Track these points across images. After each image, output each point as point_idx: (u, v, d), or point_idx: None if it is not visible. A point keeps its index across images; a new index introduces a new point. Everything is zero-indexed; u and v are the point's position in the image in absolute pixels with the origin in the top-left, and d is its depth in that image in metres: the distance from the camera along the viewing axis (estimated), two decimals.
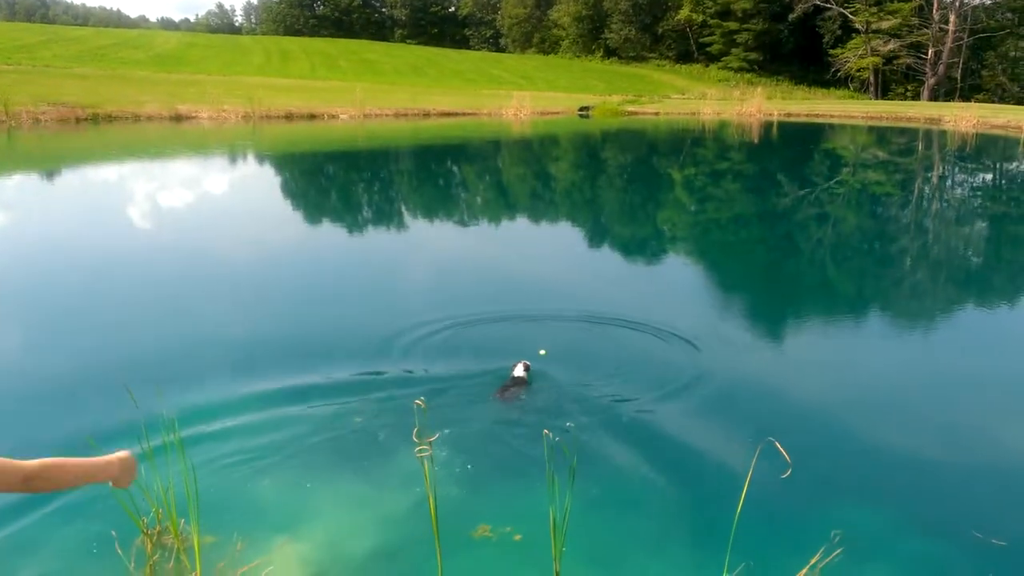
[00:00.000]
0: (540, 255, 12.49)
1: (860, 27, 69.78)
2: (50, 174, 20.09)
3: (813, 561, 3.60)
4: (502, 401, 6.13)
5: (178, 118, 34.64)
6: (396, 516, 4.52)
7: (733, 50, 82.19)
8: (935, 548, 4.32)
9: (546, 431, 3.82)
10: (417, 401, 3.73)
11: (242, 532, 4.31)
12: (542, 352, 6.71)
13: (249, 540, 4.26)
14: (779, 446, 3.77)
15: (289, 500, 4.75)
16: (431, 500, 3.67)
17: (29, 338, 7.62)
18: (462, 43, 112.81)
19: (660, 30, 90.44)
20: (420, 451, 3.52)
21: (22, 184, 18.71)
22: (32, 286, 9.61)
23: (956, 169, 25.62)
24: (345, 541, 4.34)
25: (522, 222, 16.06)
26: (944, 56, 68.92)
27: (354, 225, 15.48)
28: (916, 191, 20.73)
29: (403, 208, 17.35)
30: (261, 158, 25.62)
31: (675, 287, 10.10)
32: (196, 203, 16.63)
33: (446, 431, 5.24)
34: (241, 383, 6.44)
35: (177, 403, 5.94)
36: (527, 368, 6.42)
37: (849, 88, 74.73)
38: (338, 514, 4.61)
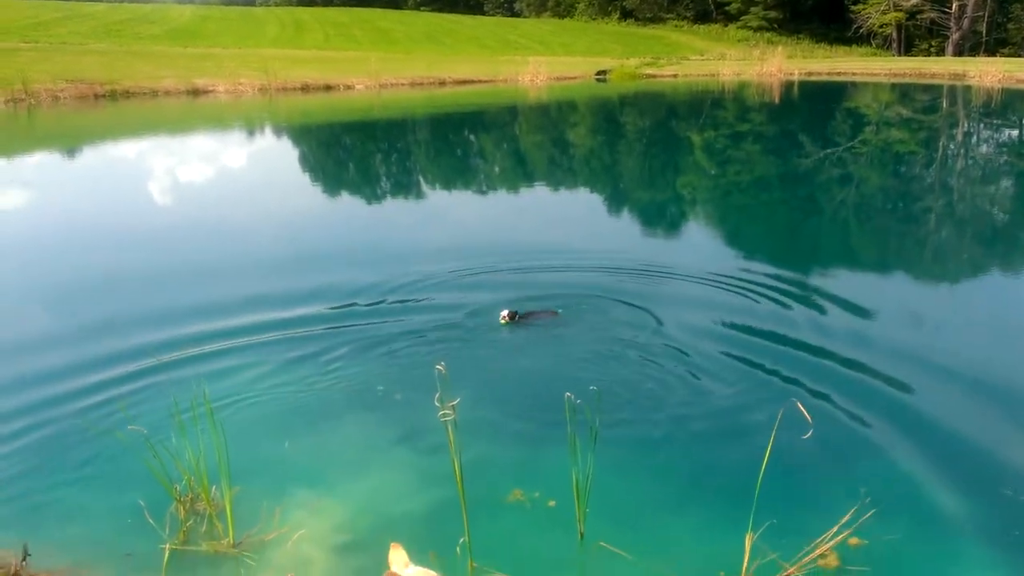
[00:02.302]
0: (563, 219, 12.46)
1: None
2: (72, 152, 20.24)
3: (844, 520, 3.61)
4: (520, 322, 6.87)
5: (195, 92, 34.68)
6: (426, 480, 4.60)
7: (752, 8, 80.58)
8: (966, 506, 4.31)
9: (568, 394, 3.85)
10: (438, 366, 3.77)
11: (273, 497, 4.40)
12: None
13: (280, 505, 4.35)
14: (801, 407, 3.79)
15: (319, 465, 4.84)
16: (456, 464, 3.73)
17: (58, 310, 7.75)
18: (476, 8, 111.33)
19: None
20: (444, 415, 3.57)
21: (49, 163, 18.87)
22: (61, 260, 9.75)
23: (981, 125, 25.12)
24: (376, 505, 4.41)
25: (541, 188, 16.00)
26: (969, 10, 67.13)
27: (373, 193, 15.51)
28: (940, 149, 20.37)
29: (422, 177, 17.33)
30: (280, 131, 25.63)
31: (696, 249, 10.05)
32: (221, 176, 16.72)
33: (470, 394, 5.26)
34: (269, 352, 6.53)
35: (207, 371, 6.05)
36: (512, 316, 6.89)
37: (871, 45, 73.14)
38: (369, 479, 4.69)
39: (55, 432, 5.23)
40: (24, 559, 3.79)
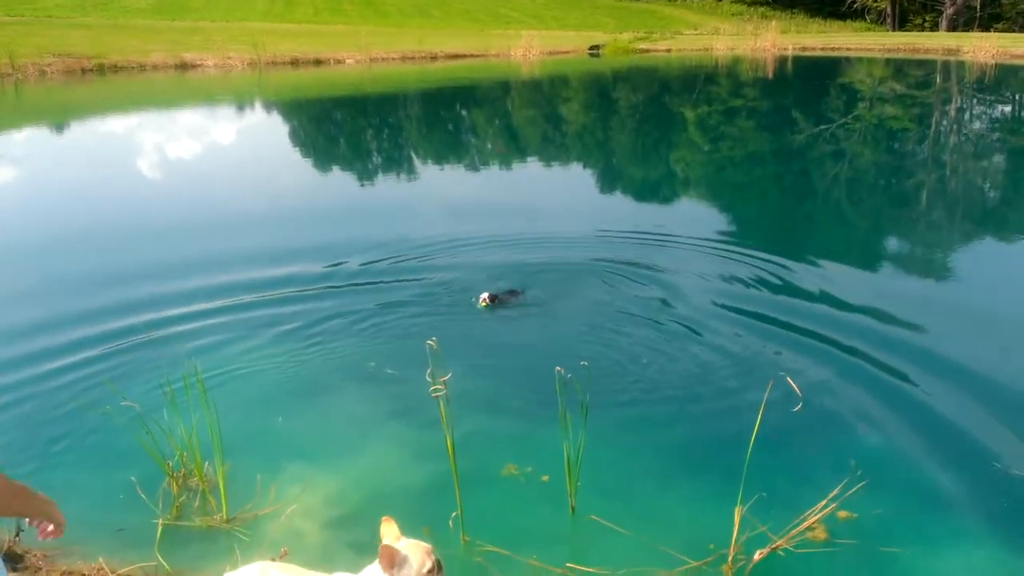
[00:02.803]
0: (554, 194, 12.42)
1: None
2: (61, 127, 20.03)
3: (833, 494, 3.65)
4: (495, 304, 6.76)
5: (183, 67, 34.27)
6: (419, 455, 4.62)
7: None
8: (955, 480, 4.36)
9: (559, 368, 3.86)
10: (429, 342, 3.77)
11: (266, 473, 4.42)
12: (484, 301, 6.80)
13: (273, 480, 4.37)
14: (791, 381, 3.81)
15: (312, 441, 4.86)
16: (448, 439, 3.74)
17: (45, 286, 7.70)
18: None
19: None
20: (435, 390, 3.58)
21: (38, 138, 18.68)
22: (50, 236, 9.68)
23: (974, 101, 25.10)
24: (369, 480, 4.44)
25: (533, 163, 15.94)
26: None
27: (363, 169, 15.42)
28: (934, 125, 20.35)
29: (413, 152, 17.24)
30: (269, 106, 25.41)
31: (687, 225, 10.03)
32: (209, 152, 16.59)
33: (461, 368, 5.27)
34: (259, 326, 6.53)
35: (198, 346, 6.04)
36: (491, 298, 6.79)
37: (866, 20, 72.72)
38: (361, 454, 4.71)
39: (46, 408, 5.23)
40: (17, 535, 3.78)
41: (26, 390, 5.47)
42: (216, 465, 4.07)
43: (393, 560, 2.68)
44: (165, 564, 3.72)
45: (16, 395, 5.40)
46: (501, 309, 6.88)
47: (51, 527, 2.42)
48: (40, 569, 3.67)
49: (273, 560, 3.21)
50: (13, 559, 3.65)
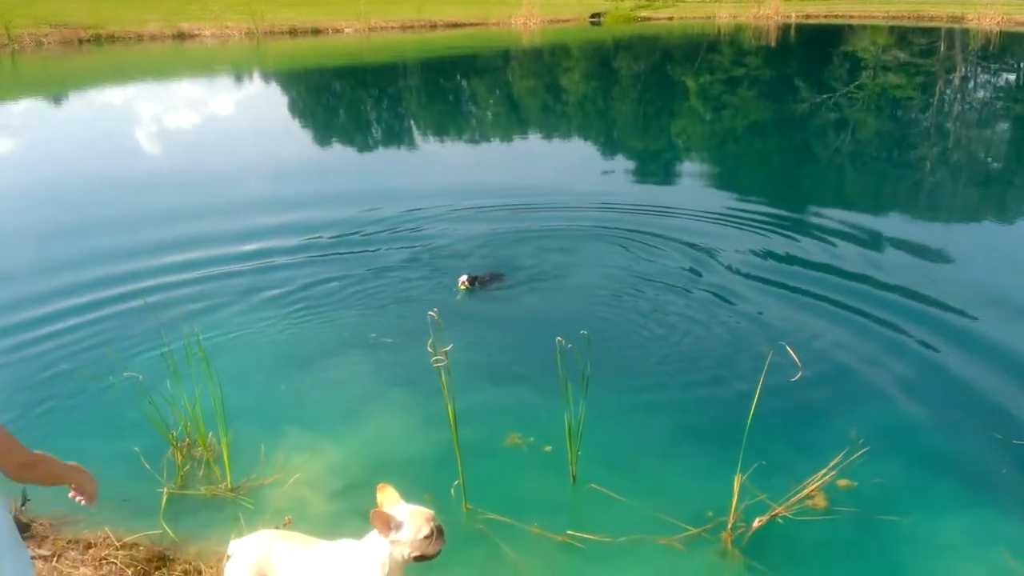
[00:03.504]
0: (554, 163, 12.36)
1: None
2: (59, 99, 19.89)
3: (833, 462, 3.67)
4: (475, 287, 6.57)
5: (181, 37, 33.94)
6: (421, 425, 4.64)
7: None
8: (955, 448, 4.39)
9: (559, 338, 3.86)
10: (431, 312, 3.77)
11: (270, 442, 4.44)
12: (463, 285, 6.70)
13: (277, 449, 4.40)
14: (790, 350, 3.80)
15: (314, 410, 4.88)
16: (449, 409, 3.76)
17: (45, 256, 7.68)
18: None
19: None
20: (436, 361, 3.58)
21: (37, 110, 18.56)
22: (49, 204, 9.65)
23: (978, 69, 24.86)
24: (372, 449, 4.47)
25: (533, 133, 15.84)
26: None
27: (363, 139, 15.33)
28: (937, 94, 20.18)
29: (412, 122, 17.14)
30: (267, 76, 25.20)
31: (688, 194, 9.99)
32: (207, 123, 16.49)
33: (462, 340, 5.26)
34: (260, 297, 6.54)
35: (200, 317, 6.05)
36: (471, 280, 6.64)
37: None
38: (364, 423, 4.73)
39: (49, 379, 5.25)
40: (23, 504, 3.83)
41: (30, 362, 5.50)
42: (220, 434, 4.09)
43: (388, 524, 2.71)
44: (170, 532, 3.76)
45: (21, 368, 5.43)
46: (507, 274, 6.89)
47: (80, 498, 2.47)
48: (47, 538, 3.71)
49: (277, 528, 3.24)
50: (20, 528, 3.68)
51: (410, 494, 2.89)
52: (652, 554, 3.62)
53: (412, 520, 2.74)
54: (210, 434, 4.31)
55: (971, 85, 21.68)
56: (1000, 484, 4.07)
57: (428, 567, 3.02)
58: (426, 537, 2.74)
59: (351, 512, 3.85)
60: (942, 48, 32.42)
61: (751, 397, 3.62)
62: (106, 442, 4.55)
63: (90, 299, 6.49)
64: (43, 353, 5.61)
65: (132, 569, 3.44)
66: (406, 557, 2.76)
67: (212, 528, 3.82)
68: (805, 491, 3.69)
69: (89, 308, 6.33)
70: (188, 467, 4.31)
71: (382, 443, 4.54)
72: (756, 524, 3.66)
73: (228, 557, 2.92)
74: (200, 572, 3.44)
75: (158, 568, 3.48)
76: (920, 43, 34.82)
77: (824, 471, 3.68)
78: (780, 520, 3.66)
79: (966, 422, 4.64)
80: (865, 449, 3.82)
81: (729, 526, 3.68)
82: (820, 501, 3.86)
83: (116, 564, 3.45)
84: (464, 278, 6.63)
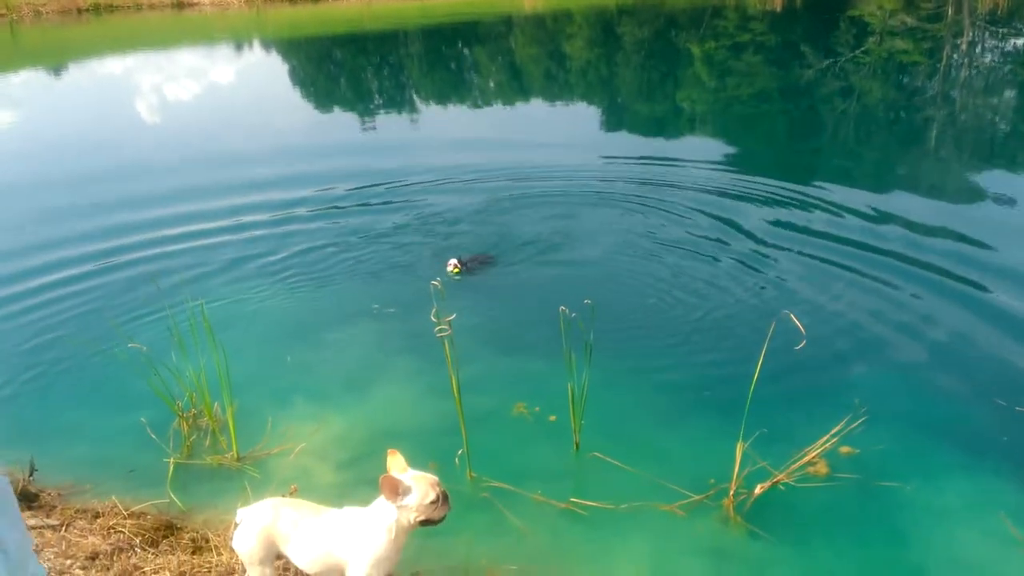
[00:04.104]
0: (556, 131, 12.27)
1: None
2: (59, 69, 19.74)
3: (835, 429, 3.68)
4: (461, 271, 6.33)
5: (180, 5, 33.59)
6: (426, 394, 4.67)
7: None
8: (958, 416, 4.40)
9: (562, 307, 3.86)
10: (434, 282, 3.77)
11: (275, 411, 4.48)
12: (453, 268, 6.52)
13: (282, 418, 4.43)
14: (794, 318, 3.80)
15: (319, 380, 4.91)
16: (453, 378, 3.77)
17: (47, 227, 7.69)
18: None
19: None
20: (440, 330, 3.59)
21: (37, 81, 18.43)
22: (50, 176, 9.63)
23: (986, 34, 24.52)
24: (376, 419, 4.50)
25: (536, 101, 15.71)
26: None
27: (364, 107, 15.22)
28: (944, 59, 19.92)
29: (414, 91, 17.00)
30: (268, 45, 24.96)
31: (691, 161, 9.91)
32: (207, 93, 16.38)
33: (467, 310, 5.28)
34: (259, 267, 6.55)
35: (201, 288, 6.06)
36: (461, 264, 6.36)
37: None
38: (368, 393, 4.76)
39: (48, 349, 5.29)
40: (31, 474, 3.87)
41: (36, 333, 5.53)
42: (225, 405, 4.12)
43: (396, 489, 2.73)
44: (177, 501, 3.80)
45: (26, 339, 5.46)
46: (505, 248, 6.87)
47: None
48: (55, 507, 3.75)
49: (284, 497, 3.27)
50: (28, 498, 3.73)
51: (415, 463, 2.92)
52: (654, 521, 3.65)
53: (418, 485, 2.77)
54: (215, 404, 4.34)
55: (978, 50, 21.40)
56: (1002, 451, 4.07)
57: (434, 534, 3.06)
58: (432, 502, 2.77)
59: (356, 481, 3.89)
60: (949, 13, 31.93)
61: (754, 365, 3.63)
62: (112, 413, 4.58)
63: (92, 266, 6.54)
64: (42, 324, 5.64)
65: (140, 538, 3.48)
66: (412, 522, 2.79)
67: (219, 497, 3.86)
68: (807, 458, 3.71)
69: (87, 277, 6.37)
70: (194, 437, 4.34)
71: (386, 412, 4.56)
72: (758, 491, 3.69)
73: (236, 525, 2.95)
74: (207, 540, 3.48)
75: (165, 537, 3.52)
76: (927, 7, 34.30)
77: (826, 438, 3.70)
78: (782, 487, 3.69)
79: (969, 389, 4.64)
80: (867, 417, 3.83)
81: (731, 493, 3.71)
82: (822, 468, 3.88)
83: (124, 533, 3.49)
84: (453, 261, 6.39)
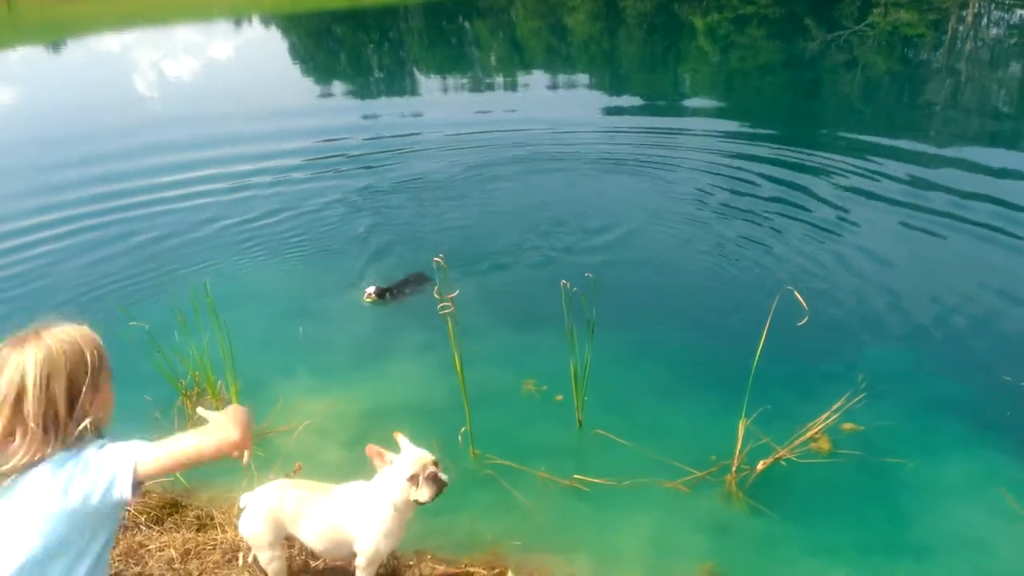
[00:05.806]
0: (557, 104, 12.20)
1: None
2: (58, 45, 19.59)
3: (837, 405, 3.68)
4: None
5: None
6: (428, 372, 4.68)
7: None
8: (962, 391, 4.39)
9: (564, 282, 3.84)
10: (436, 259, 3.75)
11: (279, 390, 4.49)
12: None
13: (286, 397, 4.44)
14: (797, 294, 3.78)
15: (322, 358, 4.91)
16: (456, 356, 3.77)
17: (54, 211, 7.67)
18: None
19: None
20: (443, 307, 3.58)
21: (35, 57, 18.31)
22: (53, 151, 9.59)
23: (992, 5, 24.24)
24: (380, 397, 4.50)
25: (537, 73, 15.56)
26: None
27: (365, 83, 15.12)
28: (950, 31, 19.72)
29: (415, 66, 16.87)
30: (267, 20, 24.75)
31: (694, 135, 9.85)
32: (205, 69, 16.27)
33: (469, 287, 5.26)
34: (266, 248, 6.53)
35: (206, 266, 6.06)
36: (377, 293, 5.56)
37: None
38: (372, 371, 4.77)
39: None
40: None
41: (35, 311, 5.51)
42: (228, 383, 4.12)
43: (381, 457, 2.75)
44: (182, 479, 3.81)
45: (26, 316, 5.45)
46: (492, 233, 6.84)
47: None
48: None
49: (288, 476, 3.28)
50: None
51: (419, 440, 2.92)
52: (657, 497, 3.66)
53: (402, 460, 2.76)
54: (219, 383, 4.34)
55: (984, 22, 21.18)
56: (1004, 426, 4.08)
57: (437, 511, 3.07)
58: (411, 478, 2.74)
59: (361, 457, 3.87)
60: None
61: (757, 341, 3.62)
62: (116, 391, 4.58)
63: (86, 244, 6.53)
64: (42, 302, 5.64)
65: (145, 516, 3.50)
66: (404, 498, 2.77)
67: (223, 475, 3.86)
68: (809, 434, 3.72)
69: (86, 251, 6.37)
70: (199, 415, 4.34)
71: (389, 390, 4.57)
72: (760, 467, 3.69)
73: (240, 510, 2.95)
74: (212, 517, 3.50)
75: (170, 514, 3.54)
76: None
77: (828, 414, 3.70)
78: (784, 463, 3.69)
79: (972, 365, 4.64)
80: (869, 393, 3.83)
81: (733, 469, 3.72)
82: (824, 444, 3.89)
83: (129, 511, 3.51)
84: (370, 290, 5.57)
